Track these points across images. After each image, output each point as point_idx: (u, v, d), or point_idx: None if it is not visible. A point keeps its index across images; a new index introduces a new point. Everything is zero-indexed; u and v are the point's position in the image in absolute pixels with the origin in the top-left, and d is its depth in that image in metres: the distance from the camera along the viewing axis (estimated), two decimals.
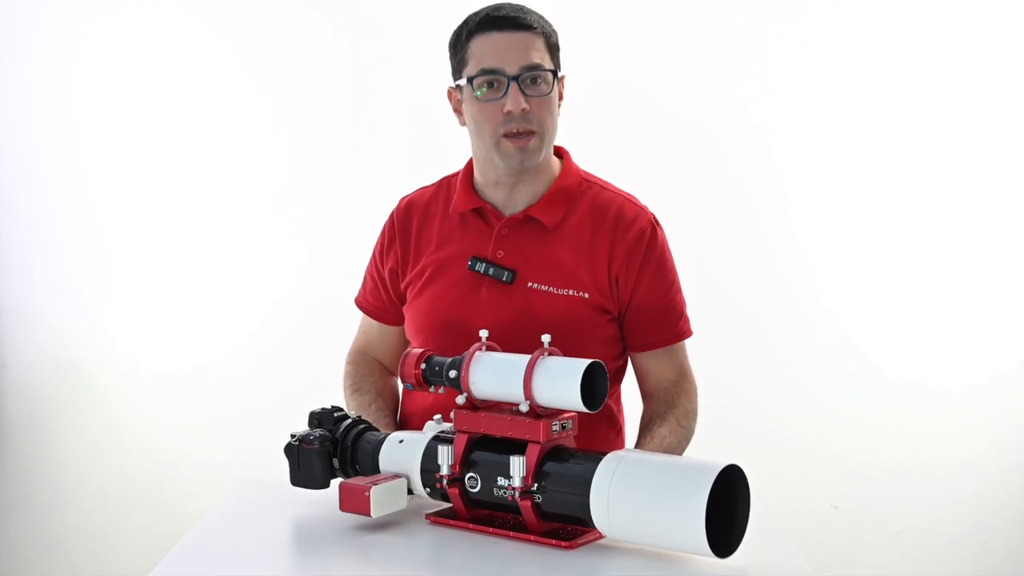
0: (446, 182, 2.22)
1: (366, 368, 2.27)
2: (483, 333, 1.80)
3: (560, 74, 2.07)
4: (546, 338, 1.74)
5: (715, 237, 3.41)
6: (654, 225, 2.11)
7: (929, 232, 3.39)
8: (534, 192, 2.10)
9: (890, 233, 3.40)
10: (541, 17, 2.07)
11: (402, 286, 2.19)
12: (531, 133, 2.01)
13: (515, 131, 2.00)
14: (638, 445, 2.02)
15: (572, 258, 2.07)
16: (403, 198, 2.26)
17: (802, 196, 3.42)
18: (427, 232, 2.17)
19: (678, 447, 2.03)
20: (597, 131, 3.23)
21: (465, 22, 2.07)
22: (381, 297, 2.24)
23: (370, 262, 2.27)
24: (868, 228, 3.41)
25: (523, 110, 1.99)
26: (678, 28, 3.41)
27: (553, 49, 2.06)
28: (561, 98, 2.09)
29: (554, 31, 2.08)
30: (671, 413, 2.06)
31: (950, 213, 3.37)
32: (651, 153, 3.38)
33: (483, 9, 2.06)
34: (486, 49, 2.01)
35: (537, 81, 2.01)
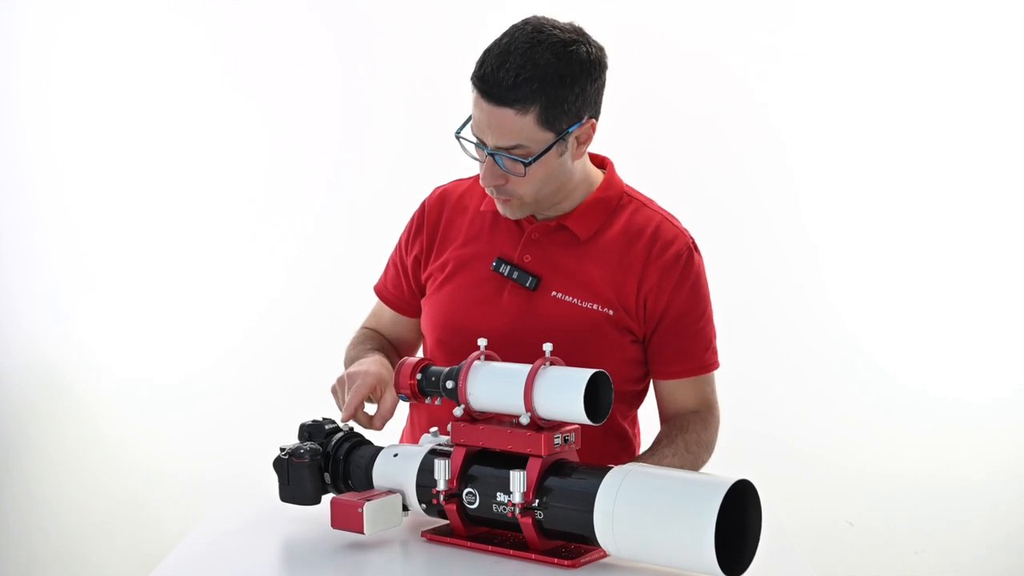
0: None
1: (378, 337, 2.25)
2: (482, 342, 1.80)
3: (582, 121, 1.96)
4: (548, 346, 1.74)
5: (728, 246, 3.41)
6: (691, 249, 2.09)
7: (951, 243, 3.40)
8: (571, 201, 2.08)
9: (910, 243, 3.41)
10: (540, 77, 1.89)
11: (423, 277, 2.19)
12: (509, 199, 2.01)
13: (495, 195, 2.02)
14: (637, 460, 2.02)
15: (601, 273, 2.06)
16: (437, 187, 2.25)
17: (819, 204, 3.44)
18: (456, 225, 2.17)
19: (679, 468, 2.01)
20: (603, 134, 3.25)
21: (478, 60, 1.97)
22: (402, 287, 2.23)
23: (394, 250, 2.27)
24: (886, 236, 3.42)
25: (497, 184, 1.97)
26: (693, 29, 3.43)
27: (553, 114, 1.92)
28: (585, 142, 2.01)
29: (560, 84, 1.91)
30: (681, 437, 2.04)
31: (974, 223, 3.39)
32: (661, 159, 3.39)
33: (488, 54, 1.95)
34: (473, 111, 1.96)
35: (515, 159, 1.95)
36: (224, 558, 1.81)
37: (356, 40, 3.53)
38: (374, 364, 2.00)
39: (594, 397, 1.69)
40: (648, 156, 3.35)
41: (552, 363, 1.73)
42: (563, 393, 1.68)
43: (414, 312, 2.23)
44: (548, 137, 1.94)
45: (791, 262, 3.43)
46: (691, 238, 2.11)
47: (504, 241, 2.11)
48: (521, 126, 1.92)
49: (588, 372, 1.68)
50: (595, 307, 2.04)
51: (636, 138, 3.37)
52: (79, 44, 3.56)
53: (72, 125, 3.58)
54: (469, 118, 1.98)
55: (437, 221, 2.18)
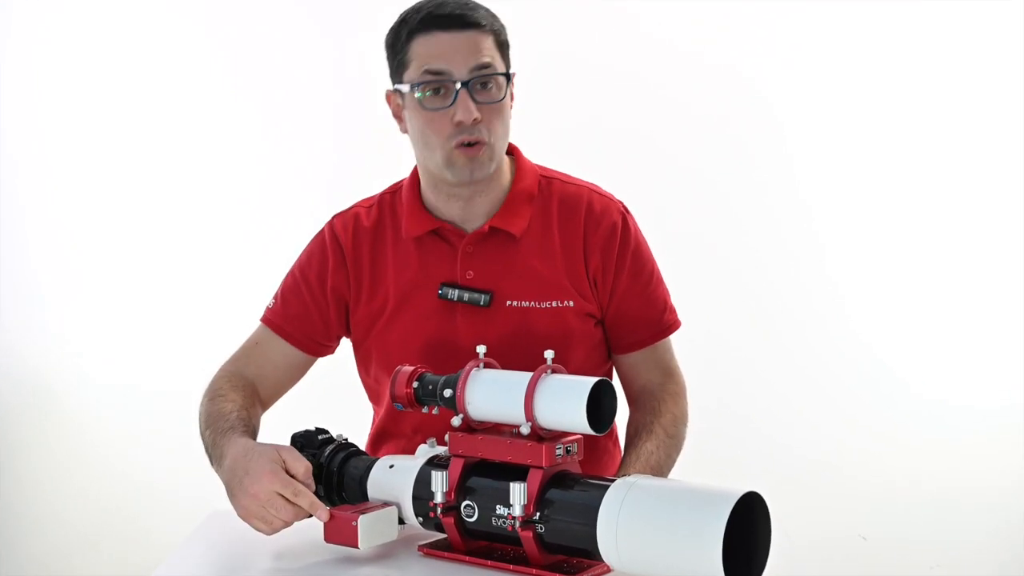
0: (389, 199, 2.14)
1: (241, 389, 2.08)
2: (480, 349, 1.78)
3: (511, 72, 2.01)
4: (549, 354, 1.72)
5: (732, 242, 3.41)
6: (624, 215, 2.10)
7: (970, 241, 3.38)
8: (493, 200, 2.06)
9: (925, 240, 3.40)
10: (489, 12, 1.99)
11: (351, 318, 2.11)
12: (481, 143, 1.96)
13: (465, 142, 1.95)
14: (624, 463, 2.02)
15: (549, 265, 2.05)
16: (344, 214, 2.16)
17: (825, 199, 3.44)
18: (381, 259, 2.09)
19: (667, 461, 2.02)
20: (601, 121, 3.24)
21: (404, 20, 1.99)
22: (313, 321, 2.11)
23: (295, 279, 2.14)
24: (898, 240, 3.41)
25: (474, 120, 1.93)
26: (697, 27, 3.43)
27: (503, 47, 2.00)
28: (512, 99, 2.02)
29: (503, 27, 2.01)
30: (657, 423, 2.05)
31: (993, 219, 3.38)
32: (666, 159, 3.38)
33: (424, 4, 1.99)
34: (430, 50, 1.95)
35: (488, 85, 1.95)
36: (214, 572, 1.81)
37: (355, 40, 3.52)
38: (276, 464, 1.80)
39: (596, 406, 1.67)
40: (652, 156, 3.34)
41: (554, 371, 1.72)
42: (565, 402, 1.67)
43: (316, 350, 2.13)
44: (504, 66, 1.99)
45: (799, 258, 3.42)
46: (620, 203, 2.13)
47: (438, 263, 2.05)
48: (488, 44, 1.96)
49: (591, 380, 1.67)
50: (555, 304, 2.04)
51: (639, 138, 3.37)
52: (71, 41, 3.55)
53: (62, 124, 3.57)
54: (401, 78, 2.00)
55: (359, 254, 2.10)
